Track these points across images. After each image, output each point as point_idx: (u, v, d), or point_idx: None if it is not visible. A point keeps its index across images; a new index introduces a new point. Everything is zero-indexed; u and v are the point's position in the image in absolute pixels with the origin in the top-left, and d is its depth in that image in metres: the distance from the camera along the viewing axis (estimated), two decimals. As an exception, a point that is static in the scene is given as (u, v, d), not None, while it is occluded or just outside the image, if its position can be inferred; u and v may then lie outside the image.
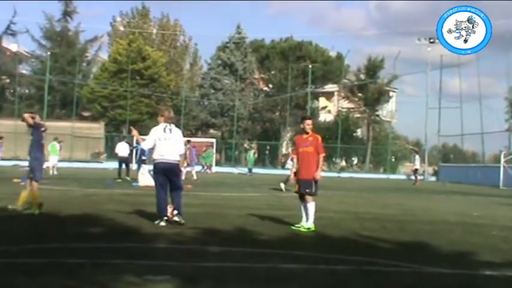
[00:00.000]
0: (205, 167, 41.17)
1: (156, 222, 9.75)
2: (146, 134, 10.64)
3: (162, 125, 10.19)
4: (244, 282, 5.92)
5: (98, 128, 51.72)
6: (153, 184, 18.75)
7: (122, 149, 25.44)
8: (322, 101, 65.28)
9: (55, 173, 30.05)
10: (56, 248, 7.48)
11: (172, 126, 10.24)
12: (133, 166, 28.25)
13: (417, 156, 39.99)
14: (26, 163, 11.88)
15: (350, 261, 7.17)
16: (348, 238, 9.29)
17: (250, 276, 6.26)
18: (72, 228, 9.23)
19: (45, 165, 32.00)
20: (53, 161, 31.07)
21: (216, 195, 18.22)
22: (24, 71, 58.33)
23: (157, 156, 10.01)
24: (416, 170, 38.41)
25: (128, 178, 23.25)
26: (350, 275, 6.46)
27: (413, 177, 38.64)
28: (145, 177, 20.88)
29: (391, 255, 7.80)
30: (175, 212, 9.86)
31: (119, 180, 23.45)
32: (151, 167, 20.85)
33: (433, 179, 47.76)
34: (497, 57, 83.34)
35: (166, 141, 9.96)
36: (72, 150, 43.50)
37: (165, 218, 9.80)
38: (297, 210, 13.33)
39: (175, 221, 9.74)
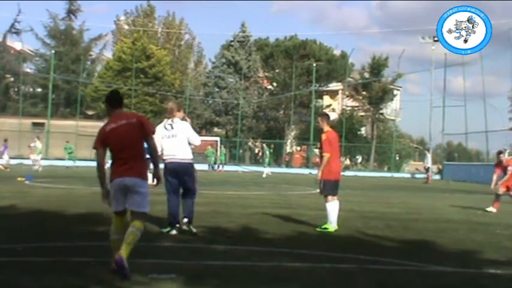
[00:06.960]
0: (218, 165, 42.23)
1: (166, 230, 8.79)
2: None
3: (163, 122, 9.11)
4: (249, 281, 5.93)
5: (102, 127, 51.81)
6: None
7: None
8: (326, 100, 65.24)
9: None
10: (61, 246, 7.51)
11: (174, 120, 9.03)
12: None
13: (428, 154, 39.85)
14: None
15: (354, 259, 7.18)
16: (352, 236, 9.29)
17: (254, 274, 6.27)
18: (77, 227, 9.25)
19: (68, 164, 33.22)
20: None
21: (221, 193, 18.22)
22: (28, 70, 58.51)
23: (165, 155, 8.92)
24: (428, 168, 38.21)
25: None
26: (354, 274, 6.46)
27: (419, 176, 38.53)
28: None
29: (396, 254, 7.80)
30: (185, 220, 8.88)
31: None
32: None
33: (438, 177, 47.66)
34: (501, 55, 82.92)
35: (169, 139, 8.89)
36: (76, 149, 43.71)
37: (178, 225, 8.86)
38: (301, 208, 13.40)
39: (186, 231, 8.83)
